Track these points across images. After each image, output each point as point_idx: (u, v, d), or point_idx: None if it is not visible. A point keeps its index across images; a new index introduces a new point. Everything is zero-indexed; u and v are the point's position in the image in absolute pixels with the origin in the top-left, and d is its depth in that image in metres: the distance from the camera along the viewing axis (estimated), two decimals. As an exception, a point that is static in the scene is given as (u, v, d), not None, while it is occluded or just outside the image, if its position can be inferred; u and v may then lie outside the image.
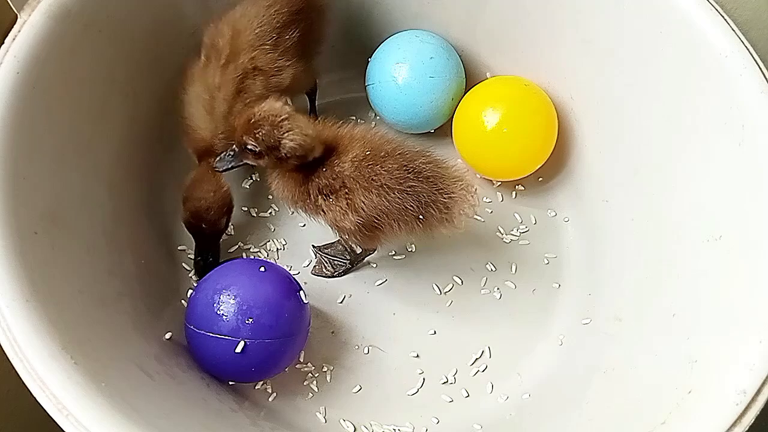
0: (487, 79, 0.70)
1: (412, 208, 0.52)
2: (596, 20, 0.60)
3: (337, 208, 0.53)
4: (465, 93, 0.69)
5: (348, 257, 0.63)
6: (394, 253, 0.65)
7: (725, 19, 0.51)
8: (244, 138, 0.52)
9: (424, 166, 0.53)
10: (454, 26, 0.70)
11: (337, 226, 0.54)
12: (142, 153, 0.62)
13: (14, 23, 0.49)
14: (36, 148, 0.48)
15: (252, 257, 0.64)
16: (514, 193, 0.70)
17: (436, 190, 0.52)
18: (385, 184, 0.52)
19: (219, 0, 0.63)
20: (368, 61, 0.70)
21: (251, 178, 0.68)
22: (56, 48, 0.50)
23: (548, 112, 0.66)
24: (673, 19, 0.53)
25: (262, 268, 0.54)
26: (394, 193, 0.52)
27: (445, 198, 0.52)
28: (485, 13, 0.67)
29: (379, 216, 0.52)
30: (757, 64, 0.50)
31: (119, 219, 0.57)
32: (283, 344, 0.53)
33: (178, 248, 0.64)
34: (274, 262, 0.64)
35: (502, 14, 0.66)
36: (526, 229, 0.68)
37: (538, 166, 0.67)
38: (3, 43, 0.48)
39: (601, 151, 0.65)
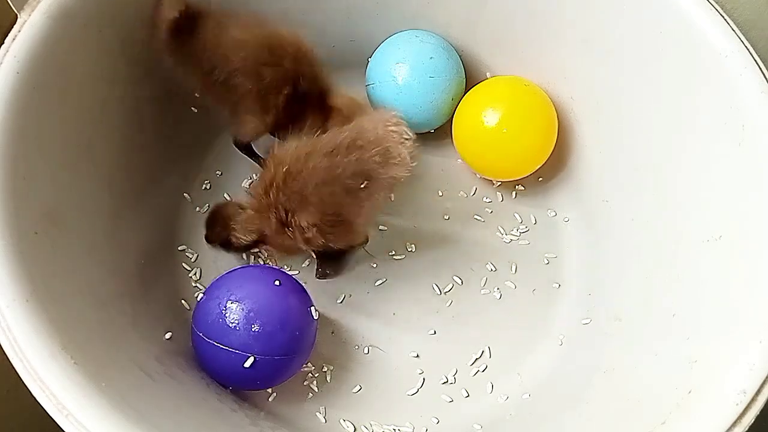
0: (487, 79, 0.70)
1: (353, 183, 0.51)
2: (596, 20, 0.60)
3: (297, 233, 0.53)
4: (465, 93, 0.69)
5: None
6: (394, 253, 0.65)
7: (725, 19, 0.51)
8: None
9: (339, 138, 0.52)
10: (454, 26, 0.70)
11: (313, 245, 0.54)
12: (142, 153, 0.62)
13: (14, 23, 0.49)
14: (36, 148, 0.48)
15: (263, 263, 0.64)
16: (514, 193, 0.70)
17: (363, 149, 0.51)
18: (317, 182, 0.51)
19: (219, 0, 0.64)
20: (368, 61, 0.70)
21: (251, 178, 0.68)
22: (56, 48, 0.50)
23: (548, 112, 0.66)
24: (673, 19, 0.53)
25: (277, 282, 0.54)
26: (328, 186, 0.51)
27: (376, 148, 0.51)
28: (485, 13, 0.67)
29: (334, 213, 0.52)
30: (757, 64, 0.50)
31: (119, 219, 0.57)
32: (291, 360, 0.53)
33: (178, 248, 0.64)
34: (277, 267, 0.63)
35: (502, 14, 0.66)
36: (526, 229, 0.68)
37: (538, 166, 0.67)
38: (3, 43, 0.48)
39: (601, 151, 0.65)
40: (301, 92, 0.57)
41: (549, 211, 0.69)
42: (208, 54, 0.55)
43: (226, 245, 0.58)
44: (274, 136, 0.65)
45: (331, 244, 0.55)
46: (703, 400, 0.43)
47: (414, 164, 0.52)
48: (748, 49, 0.50)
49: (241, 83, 0.56)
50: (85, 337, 0.44)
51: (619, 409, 0.50)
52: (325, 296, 0.63)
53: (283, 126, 0.59)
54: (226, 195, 0.67)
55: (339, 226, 0.53)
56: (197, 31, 0.55)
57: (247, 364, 0.50)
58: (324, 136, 0.53)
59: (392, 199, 0.62)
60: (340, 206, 0.52)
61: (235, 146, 0.65)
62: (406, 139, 0.51)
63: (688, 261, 0.52)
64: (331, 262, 0.63)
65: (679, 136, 0.55)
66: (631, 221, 0.60)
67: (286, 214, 0.53)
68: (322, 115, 0.60)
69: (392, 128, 0.51)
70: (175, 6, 0.53)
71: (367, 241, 0.62)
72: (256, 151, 0.66)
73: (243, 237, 0.56)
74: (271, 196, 0.53)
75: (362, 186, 0.51)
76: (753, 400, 0.41)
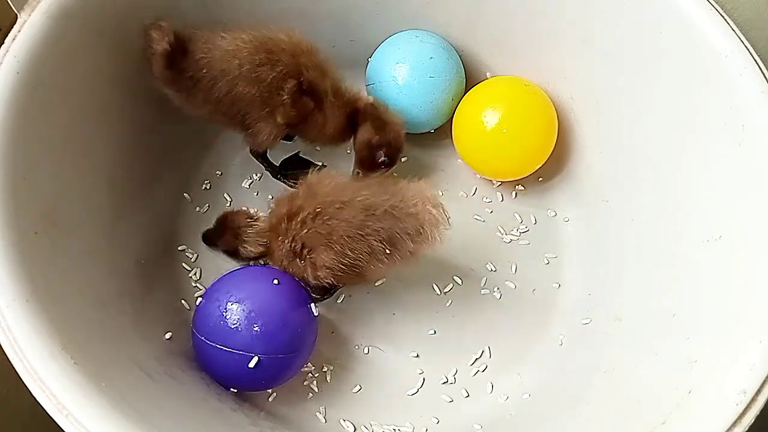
0: (487, 79, 0.70)
1: (379, 248, 0.52)
2: (596, 20, 0.60)
3: (307, 268, 0.54)
4: (465, 93, 0.69)
5: None
6: (394, 253, 0.65)
7: (725, 19, 0.51)
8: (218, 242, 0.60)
9: (379, 199, 0.53)
10: (454, 26, 0.70)
11: (320, 281, 0.55)
12: (142, 153, 0.62)
13: (14, 23, 0.49)
14: (36, 148, 0.48)
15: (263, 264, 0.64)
16: (514, 193, 0.70)
17: (399, 219, 0.52)
18: (345, 236, 0.52)
19: (219, 0, 0.64)
20: (368, 61, 0.70)
21: (251, 178, 0.68)
22: (56, 48, 0.50)
23: (548, 113, 0.66)
24: (673, 19, 0.53)
25: (276, 281, 0.54)
26: (355, 242, 0.52)
27: (412, 222, 0.52)
28: (485, 13, 0.67)
29: (350, 264, 0.53)
30: (757, 64, 0.50)
31: (119, 219, 0.57)
32: (294, 358, 0.53)
33: (178, 248, 0.64)
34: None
35: (502, 14, 0.66)
36: (526, 229, 0.68)
37: (538, 167, 0.67)
38: (3, 43, 0.48)
39: (601, 151, 0.65)
40: (309, 84, 0.57)
41: (549, 211, 0.69)
42: (205, 73, 0.55)
43: (233, 254, 0.59)
44: (292, 135, 0.66)
45: (338, 284, 0.56)
46: (703, 400, 0.43)
47: (441, 244, 0.53)
48: (748, 49, 0.50)
49: (243, 92, 0.56)
50: (85, 337, 0.44)
51: (619, 409, 0.50)
52: (325, 296, 0.63)
53: (299, 123, 0.59)
54: (226, 195, 0.67)
55: (351, 275, 0.54)
56: (190, 55, 0.55)
57: (252, 364, 0.50)
58: (365, 190, 0.54)
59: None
60: (359, 261, 0.53)
61: (252, 155, 0.65)
62: (441, 222, 0.52)
63: (688, 261, 0.52)
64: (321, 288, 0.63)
65: (679, 136, 0.55)
66: (631, 221, 0.60)
67: (302, 248, 0.54)
68: (345, 116, 0.61)
69: (432, 209, 0.52)
70: (163, 38, 0.53)
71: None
72: (271, 160, 0.66)
73: (252, 249, 0.57)
74: (294, 225, 0.54)
75: (387, 252, 0.52)
76: (753, 400, 0.41)
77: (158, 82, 0.55)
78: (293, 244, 0.54)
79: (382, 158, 0.62)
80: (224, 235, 0.58)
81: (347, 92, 0.61)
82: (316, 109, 0.59)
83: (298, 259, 0.54)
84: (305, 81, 0.57)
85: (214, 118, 0.59)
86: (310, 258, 0.54)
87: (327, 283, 0.55)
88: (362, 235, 0.52)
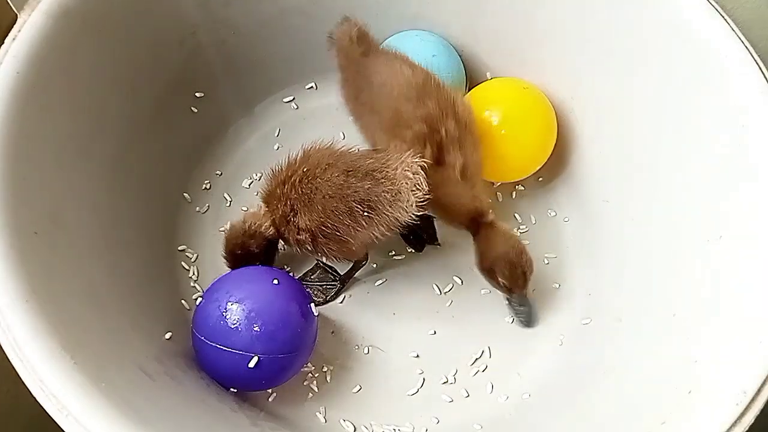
0: (487, 79, 0.70)
1: (358, 208, 0.52)
2: (596, 20, 0.60)
3: (292, 232, 0.55)
4: (465, 93, 0.69)
5: (334, 277, 0.63)
6: (394, 253, 0.65)
7: (725, 19, 0.51)
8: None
9: (363, 162, 0.54)
10: (454, 26, 0.70)
11: (302, 249, 0.56)
12: (141, 153, 0.62)
13: (14, 23, 0.49)
14: (36, 148, 0.48)
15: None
16: (514, 193, 0.70)
17: (378, 182, 0.53)
18: (327, 194, 0.53)
19: (219, 0, 0.64)
20: (368, 61, 0.70)
21: (251, 178, 0.68)
22: (56, 48, 0.50)
23: (547, 115, 0.66)
24: (674, 19, 0.53)
25: (276, 281, 0.54)
26: (335, 201, 0.53)
27: (389, 185, 0.52)
28: (485, 13, 0.67)
29: (332, 226, 0.53)
30: (757, 64, 0.50)
31: (119, 219, 0.57)
32: (294, 357, 0.53)
33: (178, 248, 0.64)
34: (282, 270, 0.63)
35: (502, 14, 0.66)
36: (526, 229, 0.68)
37: (536, 169, 0.67)
38: (3, 43, 0.48)
39: (601, 151, 0.65)
40: (441, 144, 0.56)
41: (549, 211, 0.69)
42: (365, 77, 0.59)
43: (272, 248, 0.58)
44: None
45: (319, 254, 0.56)
46: (703, 400, 0.43)
47: (419, 213, 0.53)
48: (748, 49, 0.50)
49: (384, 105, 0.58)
50: (85, 337, 0.44)
51: (619, 409, 0.50)
52: (325, 296, 0.63)
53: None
54: (226, 195, 0.67)
55: (332, 240, 0.54)
56: (369, 58, 0.60)
57: (252, 364, 0.51)
58: (351, 153, 0.55)
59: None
60: (340, 223, 0.53)
61: None
62: (418, 189, 0.53)
63: (688, 261, 0.52)
64: (323, 290, 0.63)
65: (679, 136, 0.55)
66: (631, 221, 0.60)
67: (291, 210, 0.55)
68: (465, 213, 0.58)
69: (410, 174, 0.52)
70: (354, 27, 0.60)
71: (366, 260, 0.61)
72: None
73: (267, 225, 0.57)
74: (286, 188, 0.55)
75: (364, 214, 0.53)
76: (753, 400, 0.41)
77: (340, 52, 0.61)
78: (284, 208, 0.55)
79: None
80: (248, 248, 0.57)
81: (480, 198, 0.58)
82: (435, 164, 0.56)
83: (287, 224, 0.55)
84: (444, 144, 0.56)
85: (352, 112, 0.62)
86: (294, 220, 0.54)
87: (306, 249, 0.55)
88: (342, 195, 0.53)
